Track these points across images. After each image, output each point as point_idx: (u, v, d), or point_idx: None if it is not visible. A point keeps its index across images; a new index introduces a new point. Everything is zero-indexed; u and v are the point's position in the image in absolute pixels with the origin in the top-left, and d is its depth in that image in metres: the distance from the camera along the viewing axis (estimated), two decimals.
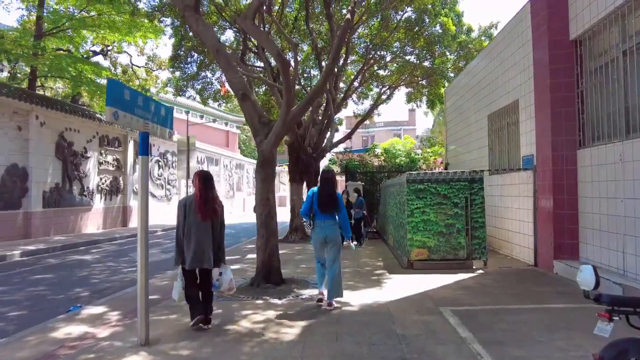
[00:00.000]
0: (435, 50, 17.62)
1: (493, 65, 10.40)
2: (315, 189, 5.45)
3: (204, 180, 4.48)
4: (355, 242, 11.61)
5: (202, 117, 36.45)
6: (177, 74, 19.76)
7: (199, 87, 19.84)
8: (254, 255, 7.15)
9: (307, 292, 6.02)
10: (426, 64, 18.63)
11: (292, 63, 7.10)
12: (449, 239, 7.79)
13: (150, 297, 6.07)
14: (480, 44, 19.09)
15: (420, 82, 20.09)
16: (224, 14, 16.54)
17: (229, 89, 10.90)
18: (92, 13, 17.47)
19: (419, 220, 7.86)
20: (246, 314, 5.06)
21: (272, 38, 14.94)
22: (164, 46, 28.91)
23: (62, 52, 18.99)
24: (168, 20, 17.77)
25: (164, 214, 23.44)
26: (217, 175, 31.67)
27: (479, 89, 11.42)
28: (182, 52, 17.65)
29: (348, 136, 18.99)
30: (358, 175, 15.82)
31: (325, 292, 5.30)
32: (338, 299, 5.32)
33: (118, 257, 10.80)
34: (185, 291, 4.49)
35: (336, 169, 22.18)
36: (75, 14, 17.48)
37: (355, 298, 5.70)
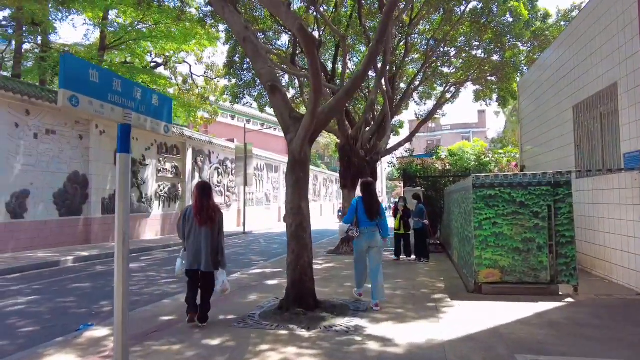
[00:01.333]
0: (505, 42, 15.76)
1: (578, 46, 8.61)
2: (357, 197, 5.91)
3: (201, 190, 5.02)
4: (413, 257, 10.32)
5: (262, 124, 36.71)
6: (234, 80, 19.75)
7: (256, 93, 19.60)
8: None
9: (343, 322, 4.92)
10: (495, 57, 16.78)
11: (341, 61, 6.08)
12: (528, 258, 6.26)
13: (163, 317, 5.39)
14: (560, 30, 16.78)
15: (489, 77, 18.18)
16: (278, 18, 16.13)
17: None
18: (149, 24, 17.83)
19: (488, 234, 6.42)
20: (262, 350, 4.08)
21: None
22: (221, 54, 29.34)
23: (126, 64, 19.71)
24: (222, 27, 17.74)
25: (224, 220, 23.45)
26: (277, 182, 31.49)
27: (560, 77, 9.61)
28: (237, 58, 17.46)
29: (408, 139, 17.57)
30: (418, 181, 14.35)
31: (361, 293, 6.03)
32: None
33: (162, 266, 10.44)
34: (187, 292, 5.09)
35: (395, 173, 20.74)
36: (137, 26, 17.98)
37: (402, 333, 4.49)
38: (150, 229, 17.75)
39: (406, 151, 18.35)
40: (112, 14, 18.31)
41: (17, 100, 12.14)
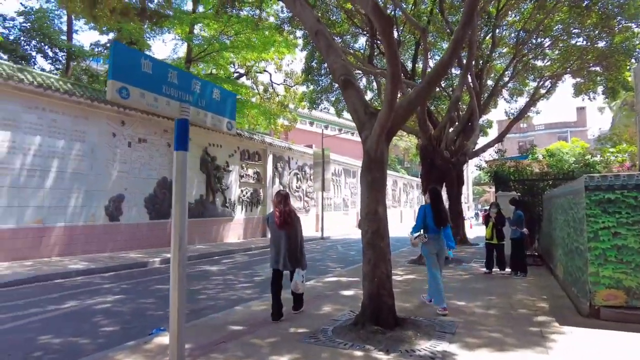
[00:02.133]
0: (614, 25, 13.71)
1: None
2: (425, 205, 6.06)
3: (280, 197, 5.57)
4: (508, 270, 9.16)
5: (340, 130, 36.57)
6: (311, 87, 19.76)
7: (333, 98, 19.43)
8: None
9: (428, 346, 4.24)
10: (601, 44, 14.68)
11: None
12: None
13: (233, 327, 5.14)
14: None
15: (593, 68, 15.98)
16: (355, 20, 15.80)
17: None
18: (231, 36, 18.48)
19: (608, 246, 5.28)
20: None
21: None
22: (300, 61, 30.00)
23: (210, 75, 20.70)
24: (299, 33, 17.84)
25: (303, 225, 23.56)
26: (354, 187, 31.05)
27: None
28: (314, 64, 17.42)
29: (499, 139, 16.05)
30: (512, 184, 12.88)
31: (446, 308, 5.67)
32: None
33: (241, 270, 10.48)
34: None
35: (484, 177, 19.08)
36: (220, 38, 18.76)
37: None
38: (233, 233, 18.29)
39: (496, 152, 16.78)
40: (197, 28, 19.34)
41: (114, 112, 13.17)
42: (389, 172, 39.23)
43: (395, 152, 49.55)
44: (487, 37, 15.55)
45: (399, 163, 51.09)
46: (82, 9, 8.65)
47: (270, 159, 21.03)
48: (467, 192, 56.68)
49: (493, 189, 14.43)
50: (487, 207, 11.10)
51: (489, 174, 14.63)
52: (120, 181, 13.38)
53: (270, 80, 25.63)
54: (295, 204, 23.27)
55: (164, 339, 4.61)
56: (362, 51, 17.66)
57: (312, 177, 24.02)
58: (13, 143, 10.73)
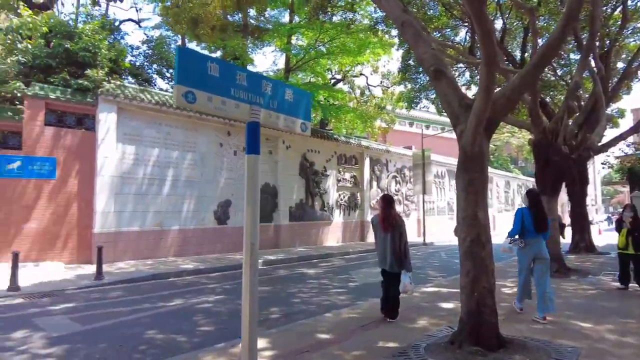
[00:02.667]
0: None
1: None
2: (523, 208, 5.87)
3: (385, 202, 5.78)
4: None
5: (442, 129, 34.80)
6: (409, 86, 19.09)
7: (433, 96, 18.52)
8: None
9: None
10: None
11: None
12: None
13: (320, 335, 4.96)
14: None
15: None
16: (454, 12, 14.86)
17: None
18: (326, 44, 18.69)
19: None
20: None
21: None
22: (396, 61, 28.91)
23: (308, 83, 21.22)
24: (394, 32, 17.35)
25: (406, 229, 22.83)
26: None
27: None
28: (411, 62, 16.80)
29: (634, 129, 13.63)
30: None
31: (522, 308, 5.85)
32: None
33: (336, 275, 10.38)
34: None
35: (615, 176, 16.36)
36: (317, 46, 19.12)
37: None
38: (332, 236, 18.41)
39: (628, 145, 14.25)
40: (294, 39, 19.99)
41: (221, 123, 14.15)
42: (500, 172, 36.16)
43: (508, 150, 45.53)
44: (616, 12, 13.32)
45: (512, 162, 46.84)
46: (186, 30, 9.43)
47: (367, 162, 20.78)
48: (595, 192, 49.61)
49: (627, 189, 12.23)
50: (620, 210, 9.34)
51: (620, 172, 12.45)
52: (227, 187, 14.32)
53: (367, 83, 25.46)
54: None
55: None
56: (463, 44, 16.53)
57: (411, 180, 23.13)
58: (137, 155, 12.13)
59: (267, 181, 15.80)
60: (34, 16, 12.53)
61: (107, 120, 11.38)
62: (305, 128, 3.43)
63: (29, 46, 12.01)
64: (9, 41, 12.25)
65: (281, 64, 22.32)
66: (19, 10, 12.72)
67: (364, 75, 25.58)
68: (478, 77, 16.56)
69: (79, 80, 11.42)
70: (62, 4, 17.10)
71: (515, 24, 15.01)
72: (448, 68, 4.98)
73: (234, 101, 2.84)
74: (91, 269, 9.54)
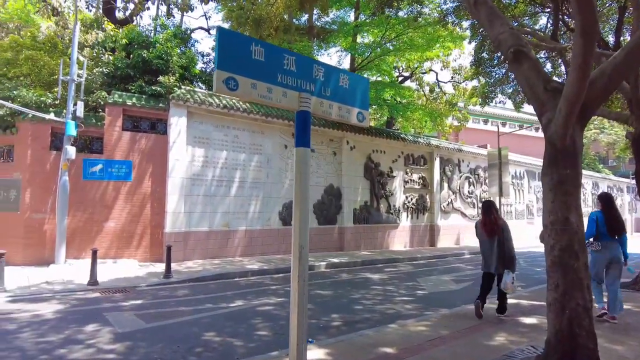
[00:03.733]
0: None
1: None
2: (597, 212, 5.86)
3: (486, 207, 6.11)
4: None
5: (521, 126, 32.30)
6: (483, 80, 17.90)
7: (510, 90, 17.17)
8: None
9: None
10: None
11: None
12: None
13: (383, 348, 4.52)
14: None
15: None
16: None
17: None
18: (393, 41, 18.06)
19: None
20: None
21: None
22: (468, 55, 27.12)
23: (376, 82, 20.69)
24: (465, 23, 16.34)
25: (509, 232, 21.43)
26: (541, 192, 26.78)
27: None
28: (485, 55, 15.69)
29: None
30: None
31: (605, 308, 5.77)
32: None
33: (403, 281, 9.81)
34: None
35: None
36: (383, 44, 18.57)
37: None
38: (399, 240, 17.70)
39: None
40: (359, 38, 19.60)
41: (286, 125, 14.18)
42: (588, 172, 32.71)
43: (595, 148, 41.15)
44: None
45: (600, 161, 42.26)
46: (250, 31, 9.49)
47: (437, 162, 19.74)
48: None
49: None
50: None
51: None
52: (291, 189, 14.30)
53: (437, 79, 24.31)
54: (467, 210, 21.32)
55: (310, 353, 4.33)
56: (543, 31, 15.08)
57: (487, 181, 21.61)
58: (206, 157, 12.50)
59: (332, 183, 15.56)
60: (116, 30, 13.48)
61: (177, 124, 11.85)
62: (362, 118, 3.06)
63: (111, 58, 12.92)
64: (95, 54, 13.28)
65: (346, 63, 22.05)
66: (103, 26, 13.77)
67: (433, 71, 24.48)
68: (562, 67, 15.07)
69: (153, 87, 12.05)
70: (141, 17, 18.46)
71: (608, 4, 13.34)
72: (530, 48, 4.31)
73: (282, 88, 2.56)
74: (162, 267, 9.92)
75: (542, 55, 15.66)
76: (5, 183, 10.53)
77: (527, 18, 15.43)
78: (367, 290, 8.60)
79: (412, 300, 7.58)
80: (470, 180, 21.96)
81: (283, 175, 14.14)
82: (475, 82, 20.79)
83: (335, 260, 12.60)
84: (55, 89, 11.11)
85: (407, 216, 18.29)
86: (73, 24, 10.93)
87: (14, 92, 10.89)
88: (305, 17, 20.71)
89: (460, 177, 21.30)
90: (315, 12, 19.23)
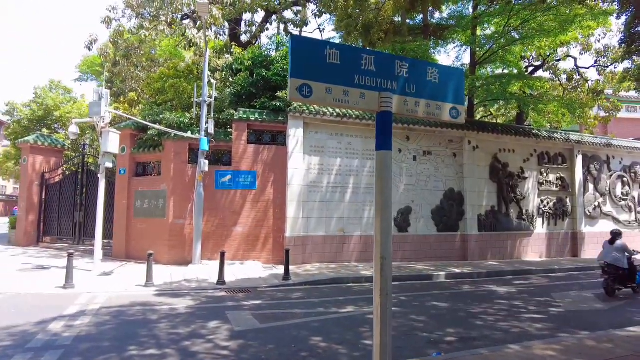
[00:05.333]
0: None
1: None
2: None
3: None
4: None
5: None
6: (638, 59, 15.15)
7: None
8: None
9: None
10: None
11: None
12: None
13: None
14: None
15: None
16: None
17: None
18: (518, 28, 16.31)
19: None
20: None
21: None
22: (617, 33, 22.21)
23: (500, 75, 18.98)
24: None
25: (635, 244, 17.94)
26: None
27: None
28: None
29: None
30: None
31: None
32: None
33: (534, 296, 8.67)
34: None
35: None
36: (508, 32, 16.93)
37: None
38: (533, 249, 15.79)
39: None
40: (479, 31, 18.20)
41: (399, 129, 13.84)
42: None
43: None
44: None
45: None
46: (356, 37, 9.50)
47: (579, 160, 17.14)
48: None
49: None
50: None
51: None
52: (407, 194, 13.89)
53: (575, 65, 21.22)
54: (620, 215, 18.04)
55: None
56: None
57: None
58: (321, 165, 12.90)
59: (452, 187, 14.64)
60: (242, 53, 14.85)
61: (295, 135, 12.48)
62: (456, 114, 2.75)
63: (238, 78, 14.26)
64: (224, 77, 14.82)
65: (466, 59, 20.68)
66: (231, 50, 15.32)
67: (571, 57, 21.44)
68: None
69: (273, 102, 12.92)
70: (266, 37, 19.94)
71: None
72: None
73: (359, 90, 2.44)
74: (283, 269, 10.48)
75: None
76: (155, 194, 12.36)
77: None
78: (490, 304, 7.80)
79: (543, 319, 6.63)
80: (625, 179, 18.55)
81: (397, 180, 13.80)
82: (627, 64, 17.58)
83: (457, 270, 11.77)
84: (192, 110, 12.67)
85: (543, 222, 16.22)
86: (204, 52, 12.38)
87: (161, 115, 12.73)
88: (421, 16, 20.05)
89: (611, 176, 18.15)
90: (430, 9, 18.49)
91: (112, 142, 10.49)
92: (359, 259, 12.87)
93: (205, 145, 11.47)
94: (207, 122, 11.67)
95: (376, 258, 2.47)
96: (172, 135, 11.95)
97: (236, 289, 8.74)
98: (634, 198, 18.58)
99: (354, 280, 9.97)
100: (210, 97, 12.33)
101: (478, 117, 24.04)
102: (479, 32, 17.85)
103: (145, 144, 12.96)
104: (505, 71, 19.88)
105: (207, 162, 11.55)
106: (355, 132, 13.41)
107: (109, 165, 10.59)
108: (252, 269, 11.06)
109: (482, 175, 15.18)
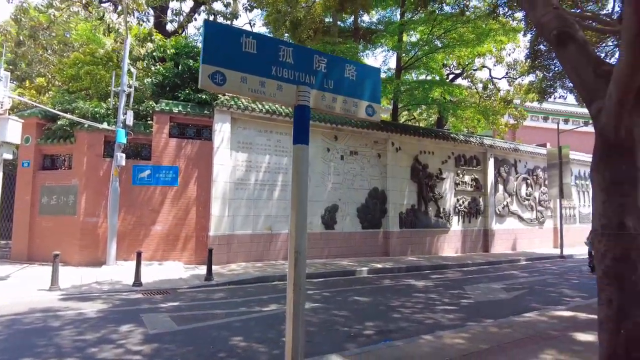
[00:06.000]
0: None
1: None
2: None
3: None
4: None
5: (586, 123, 29.82)
6: (540, 74, 16.78)
7: (572, 84, 15.92)
8: None
9: None
10: None
11: None
12: None
13: None
14: None
15: None
16: None
17: None
18: (439, 37, 17.37)
19: None
20: None
21: None
22: (524, 48, 24.87)
23: (423, 81, 20.03)
24: (519, 14, 15.39)
25: (535, 240, 20.02)
26: None
27: None
28: (542, 47, 14.65)
29: None
30: None
31: None
32: None
33: (448, 289, 9.26)
34: None
35: None
36: (432, 41, 17.88)
37: None
38: (450, 246, 16.90)
39: None
40: (407, 37, 19.08)
41: (328, 128, 14.04)
42: None
43: None
44: None
45: None
46: (283, 33, 9.44)
47: (491, 162, 18.66)
48: None
49: None
50: None
51: None
52: (334, 192, 14.13)
53: (490, 75, 23.12)
54: (524, 214, 19.95)
55: None
56: (611, 16, 13.77)
57: (546, 182, 20.13)
58: (249, 162, 12.66)
59: (376, 186, 15.17)
60: (164, 40, 14.08)
61: (222, 130, 12.10)
62: (372, 112, 2.80)
63: (161, 68, 13.50)
64: (145, 66, 13.96)
65: (392, 63, 21.55)
66: (152, 37, 14.46)
67: (486, 67, 23.31)
68: None
69: (199, 95, 12.41)
70: (194, 27, 19.15)
71: None
72: (577, 29, 3.82)
73: (276, 81, 2.38)
74: (205, 269, 10.10)
75: (610, 44, 14.35)
76: (65, 189, 11.29)
77: (591, 3, 14.21)
78: (408, 297, 8.18)
79: (454, 310, 7.09)
80: (528, 181, 20.56)
81: (326, 179, 13.99)
82: (532, 77, 19.52)
83: (379, 265, 12.22)
84: (109, 100, 11.76)
85: (459, 220, 17.43)
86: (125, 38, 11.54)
87: (73, 104, 11.66)
88: (351, 19, 20.53)
89: (517, 178, 20.01)
90: (360, 12, 18.99)
91: (13, 130, 9.38)
92: (287, 256, 12.80)
93: (122, 138, 10.71)
94: (125, 113, 10.91)
95: (290, 253, 2.43)
96: (86, 125, 11.00)
97: (154, 290, 8.26)
98: (535, 198, 20.66)
99: (280, 278, 9.90)
100: (130, 87, 11.54)
101: (402, 120, 25.19)
102: (405, 39, 18.68)
103: (55, 135, 11.79)
104: (428, 77, 21.06)
105: (124, 155, 10.80)
106: (284, 130, 13.34)
107: (8, 156, 9.45)
108: (173, 270, 10.55)
109: (404, 175, 15.91)
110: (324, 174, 13.98)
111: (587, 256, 13.07)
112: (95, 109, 11.47)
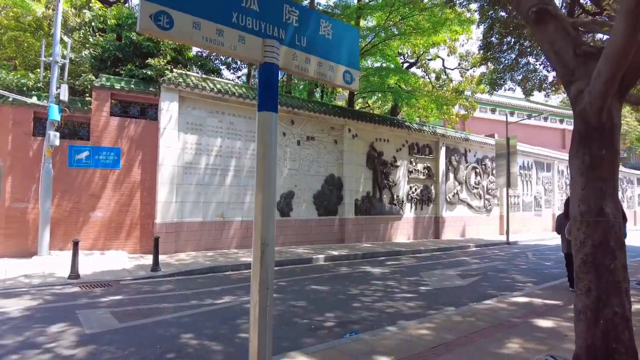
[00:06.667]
0: None
1: None
2: None
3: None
4: None
5: (529, 115, 31.38)
6: (492, 66, 17.18)
7: (520, 77, 16.41)
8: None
9: None
10: None
11: None
12: None
13: (380, 357, 3.91)
14: None
15: None
16: None
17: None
18: (396, 23, 17.25)
19: None
20: None
21: None
22: (476, 40, 25.66)
23: (380, 68, 19.92)
24: (474, 5, 15.59)
25: (483, 227, 20.78)
26: (549, 184, 26.09)
27: None
28: (494, 39, 14.90)
29: None
30: None
31: None
32: None
33: (405, 276, 9.20)
34: None
35: None
36: (389, 27, 17.73)
37: None
38: (402, 232, 17.09)
39: None
40: (364, 22, 18.82)
41: (284, 112, 13.52)
42: None
43: None
44: None
45: None
46: None
47: (442, 151, 19.02)
48: None
49: None
50: None
51: None
52: (290, 179, 13.71)
53: (443, 65, 23.47)
54: (473, 202, 20.62)
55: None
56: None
57: (494, 172, 20.91)
58: (199, 145, 11.90)
59: (332, 172, 14.92)
60: (104, 9, 12.82)
61: (169, 109, 11.24)
62: (350, 79, 2.42)
63: (101, 39, 12.30)
64: (82, 36, 12.66)
65: None
66: (91, 5, 13.15)
67: (440, 57, 23.65)
68: None
69: (143, 71, 11.43)
70: None
71: None
72: (556, 6, 3.63)
73: (237, 31, 1.93)
74: (151, 259, 9.38)
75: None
76: None
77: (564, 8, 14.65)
78: (367, 285, 8.00)
79: (414, 297, 6.98)
80: (477, 170, 21.23)
81: (281, 164, 13.52)
82: (483, 69, 20.02)
83: (335, 252, 12.02)
84: (39, 71, 10.52)
85: (411, 207, 17.65)
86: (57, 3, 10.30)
87: None
88: (308, 0, 19.92)
89: (467, 167, 20.59)
90: None
91: None
92: (240, 244, 12.30)
93: (55, 115, 9.61)
94: (59, 87, 9.78)
95: (256, 245, 2.02)
96: (10, 99, 9.75)
97: (93, 283, 7.49)
98: (484, 187, 21.39)
99: (233, 268, 9.40)
100: (64, 58, 10.36)
101: (357, 107, 25.10)
102: (362, 24, 18.40)
103: None
104: (384, 65, 21.00)
105: (57, 134, 9.71)
106: (238, 112, 12.67)
107: None
108: (115, 260, 9.70)
109: (359, 162, 15.79)
110: (280, 159, 13.49)
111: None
112: (22, 81, 10.21)
